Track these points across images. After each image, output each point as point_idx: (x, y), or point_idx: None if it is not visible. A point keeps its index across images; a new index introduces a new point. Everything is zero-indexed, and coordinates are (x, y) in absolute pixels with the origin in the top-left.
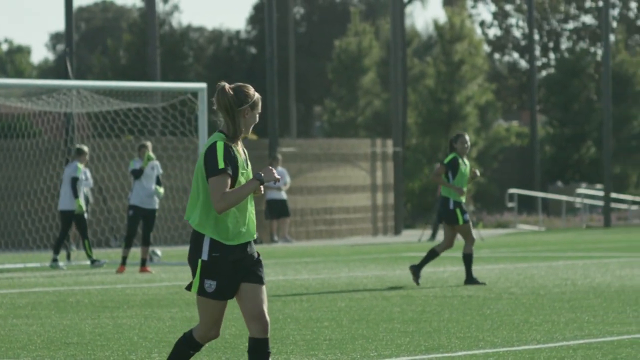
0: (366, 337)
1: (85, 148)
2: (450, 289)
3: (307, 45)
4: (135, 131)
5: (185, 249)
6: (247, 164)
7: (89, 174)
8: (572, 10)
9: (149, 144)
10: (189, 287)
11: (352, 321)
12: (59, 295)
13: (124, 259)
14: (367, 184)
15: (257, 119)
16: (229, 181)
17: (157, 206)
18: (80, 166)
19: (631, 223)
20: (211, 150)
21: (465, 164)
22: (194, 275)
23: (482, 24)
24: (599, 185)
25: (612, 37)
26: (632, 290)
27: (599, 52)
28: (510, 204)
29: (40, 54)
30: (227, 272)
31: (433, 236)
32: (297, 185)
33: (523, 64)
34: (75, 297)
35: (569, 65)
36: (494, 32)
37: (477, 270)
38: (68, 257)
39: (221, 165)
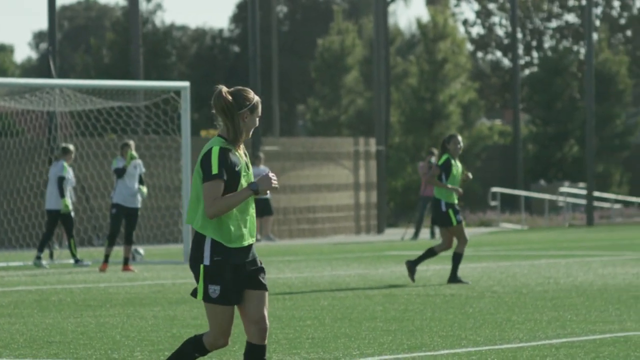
0: (349, 336)
1: (71, 147)
2: (433, 287)
3: (290, 44)
4: (118, 130)
5: (168, 247)
6: (248, 168)
7: (71, 173)
8: (555, 8)
9: (131, 142)
10: (194, 294)
11: (335, 320)
12: (41, 294)
13: (107, 257)
14: (350, 183)
15: (258, 122)
16: (222, 187)
17: (139, 205)
18: (67, 165)
19: (614, 222)
20: (207, 155)
21: (457, 166)
22: (197, 281)
23: (465, 22)
24: (581, 184)
25: (595, 36)
26: (614, 289)
27: (582, 50)
28: (493, 203)
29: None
30: (230, 276)
31: (416, 235)
32: (280, 184)
33: (506, 62)
34: (57, 295)
35: (552, 63)
36: (477, 30)
37: (459, 268)
38: (51, 256)
39: (215, 170)
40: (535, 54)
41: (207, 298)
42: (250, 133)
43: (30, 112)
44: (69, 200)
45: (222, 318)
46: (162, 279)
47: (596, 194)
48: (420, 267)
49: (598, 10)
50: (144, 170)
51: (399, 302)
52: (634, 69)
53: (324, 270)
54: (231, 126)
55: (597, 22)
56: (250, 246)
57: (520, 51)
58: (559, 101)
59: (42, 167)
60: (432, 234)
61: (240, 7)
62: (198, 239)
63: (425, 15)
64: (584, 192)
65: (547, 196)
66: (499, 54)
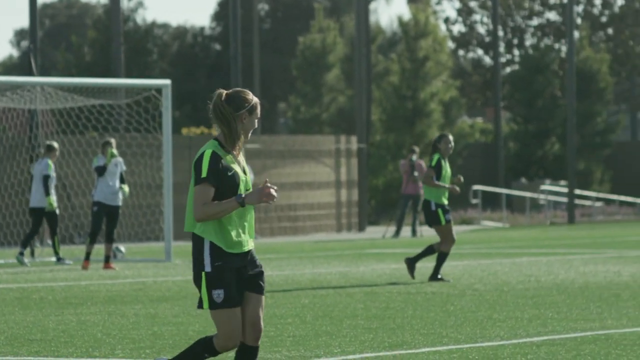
0: (330, 334)
1: (56, 144)
2: (414, 285)
3: (271, 42)
4: (100, 128)
5: (149, 245)
6: (244, 172)
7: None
8: (537, 6)
9: (112, 140)
10: (200, 305)
11: (316, 317)
12: (22, 292)
13: (88, 254)
14: (331, 181)
15: (256, 124)
16: (212, 191)
17: (120, 203)
18: (51, 163)
19: (595, 219)
20: (199, 159)
21: (447, 166)
22: (200, 290)
23: (446, 20)
24: (563, 182)
25: (576, 34)
26: (595, 287)
27: (563, 48)
28: (474, 201)
29: (4, 50)
30: (232, 279)
31: (397, 233)
32: (261, 181)
33: (487, 60)
34: (39, 293)
35: (533, 61)
36: (458, 28)
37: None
38: (32, 253)
39: (204, 174)
40: (516, 51)
41: (213, 305)
42: (249, 135)
43: (12, 110)
44: (54, 198)
45: (231, 322)
46: (143, 277)
47: (577, 191)
48: (401, 265)
49: (579, 8)
50: (125, 168)
51: (380, 300)
52: (615, 66)
53: (305, 268)
54: (227, 129)
55: (579, 20)
56: (249, 251)
57: (502, 49)
58: (540, 99)
59: (24, 165)
60: (414, 232)
61: (222, 5)
62: (197, 245)
63: (406, 13)
64: (565, 190)
65: (528, 194)
66: (480, 51)
